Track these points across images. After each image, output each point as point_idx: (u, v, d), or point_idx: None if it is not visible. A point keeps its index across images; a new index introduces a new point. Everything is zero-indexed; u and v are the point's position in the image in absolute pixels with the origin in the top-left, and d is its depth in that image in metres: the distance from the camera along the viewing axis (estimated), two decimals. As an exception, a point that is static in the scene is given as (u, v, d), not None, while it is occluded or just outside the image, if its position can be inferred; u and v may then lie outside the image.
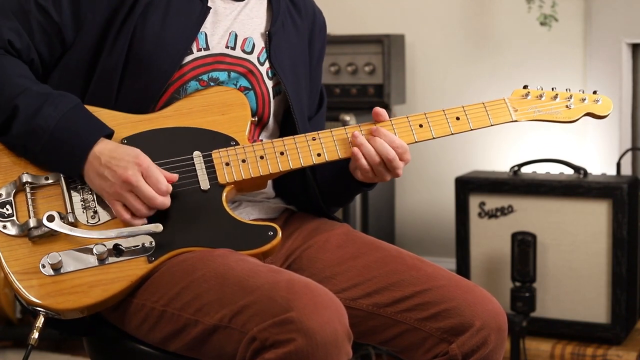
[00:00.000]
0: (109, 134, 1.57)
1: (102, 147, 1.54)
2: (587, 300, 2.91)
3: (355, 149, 1.61)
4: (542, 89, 1.72)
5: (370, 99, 3.30)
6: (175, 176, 1.56)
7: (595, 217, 2.88)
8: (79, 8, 1.61)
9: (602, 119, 1.74)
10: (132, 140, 1.59)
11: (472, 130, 1.67)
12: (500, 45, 3.39)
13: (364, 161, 1.61)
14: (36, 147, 1.54)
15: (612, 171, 3.15)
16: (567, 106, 1.71)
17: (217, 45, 1.67)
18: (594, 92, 1.73)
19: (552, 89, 1.73)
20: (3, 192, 1.55)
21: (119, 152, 1.53)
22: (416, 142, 1.65)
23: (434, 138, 1.66)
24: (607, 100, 1.73)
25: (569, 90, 1.74)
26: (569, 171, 3.03)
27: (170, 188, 1.53)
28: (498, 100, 1.70)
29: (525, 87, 1.73)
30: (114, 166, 1.51)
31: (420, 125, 1.66)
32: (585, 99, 1.72)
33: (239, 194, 1.67)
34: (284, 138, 1.64)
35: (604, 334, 2.90)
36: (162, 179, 1.53)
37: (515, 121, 1.69)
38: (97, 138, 1.54)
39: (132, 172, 1.51)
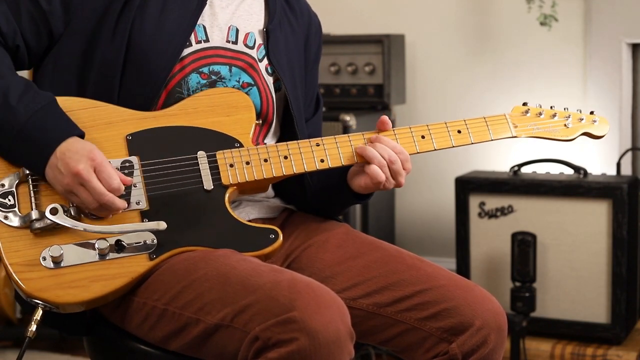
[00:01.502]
0: (79, 135, 1.55)
1: (63, 143, 1.52)
2: (587, 300, 2.91)
3: (374, 166, 1.61)
4: (541, 107, 1.78)
5: (370, 99, 3.30)
6: (129, 180, 1.54)
7: (595, 217, 2.88)
8: (69, 0, 1.61)
9: (598, 139, 1.79)
10: (136, 137, 1.59)
11: (472, 144, 1.72)
12: (500, 45, 3.39)
13: (379, 171, 1.61)
14: (4, 143, 1.53)
15: (612, 171, 3.15)
16: (565, 125, 1.77)
17: (217, 38, 1.68)
18: (591, 113, 1.79)
19: (551, 107, 1.79)
20: (5, 182, 1.53)
21: (75, 146, 1.52)
22: (418, 152, 1.68)
23: (435, 150, 1.69)
24: (604, 120, 1.80)
25: (567, 109, 1.79)
26: (569, 171, 3.03)
27: (123, 188, 1.52)
28: (499, 116, 1.74)
29: (524, 104, 1.78)
30: (67, 159, 1.50)
31: (423, 137, 1.69)
32: (583, 119, 1.78)
33: (240, 195, 1.67)
34: (287, 142, 1.64)
35: (604, 334, 2.90)
36: (115, 176, 1.51)
37: (515, 137, 1.74)
38: (65, 137, 1.52)
39: (84, 165, 1.49)
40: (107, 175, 1.50)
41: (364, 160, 1.64)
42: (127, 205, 1.53)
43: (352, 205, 1.82)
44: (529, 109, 1.76)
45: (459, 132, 1.70)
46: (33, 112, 1.52)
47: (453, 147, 1.70)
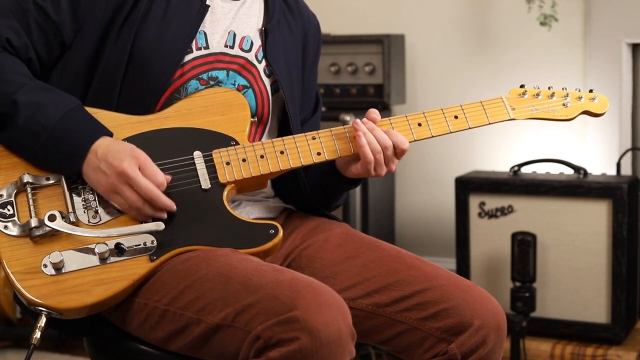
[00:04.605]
0: (108, 135, 1.57)
1: (99, 143, 1.54)
2: (587, 300, 2.91)
3: (360, 136, 1.60)
4: (538, 88, 1.73)
5: (370, 99, 3.30)
6: (169, 177, 1.56)
7: (595, 217, 2.88)
8: (78, 9, 1.61)
9: (599, 117, 1.75)
10: (132, 141, 1.58)
11: (470, 128, 1.68)
12: (500, 45, 3.39)
13: (368, 149, 1.61)
14: (35, 145, 1.54)
15: (612, 171, 3.15)
16: (564, 104, 1.73)
17: (217, 45, 1.68)
18: (590, 91, 1.75)
19: (549, 88, 1.75)
20: (4, 192, 1.54)
21: (116, 146, 1.54)
22: (415, 140, 1.66)
23: (432, 137, 1.67)
24: (604, 98, 1.75)
25: (565, 89, 1.75)
26: (569, 171, 3.03)
27: (166, 184, 1.54)
28: (495, 99, 1.71)
29: (522, 86, 1.74)
30: (110, 159, 1.51)
31: (419, 124, 1.67)
32: (581, 97, 1.74)
33: (239, 194, 1.67)
34: (283, 137, 1.64)
35: (604, 334, 2.90)
36: (160, 173, 1.53)
37: (513, 119, 1.70)
38: (97, 137, 1.54)
39: (129, 163, 1.51)
40: (152, 172, 1.52)
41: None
42: (174, 205, 1.54)
43: (347, 192, 1.81)
44: (526, 91, 1.72)
45: (456, 117, 1.67)
46: (63, 114, 1.53)
47: (451, 132, 1.67)
